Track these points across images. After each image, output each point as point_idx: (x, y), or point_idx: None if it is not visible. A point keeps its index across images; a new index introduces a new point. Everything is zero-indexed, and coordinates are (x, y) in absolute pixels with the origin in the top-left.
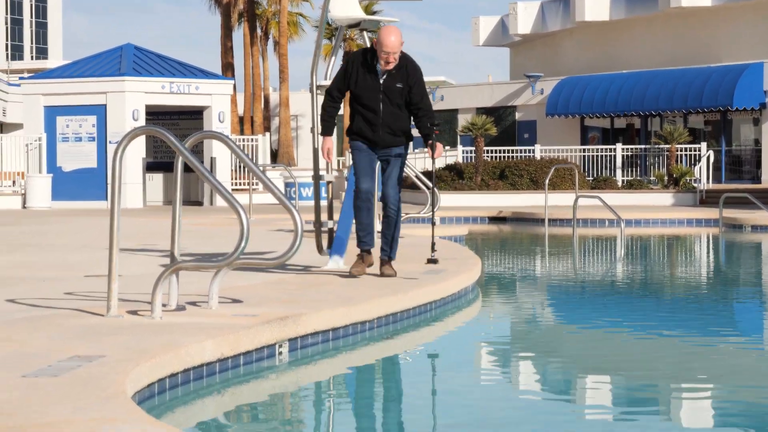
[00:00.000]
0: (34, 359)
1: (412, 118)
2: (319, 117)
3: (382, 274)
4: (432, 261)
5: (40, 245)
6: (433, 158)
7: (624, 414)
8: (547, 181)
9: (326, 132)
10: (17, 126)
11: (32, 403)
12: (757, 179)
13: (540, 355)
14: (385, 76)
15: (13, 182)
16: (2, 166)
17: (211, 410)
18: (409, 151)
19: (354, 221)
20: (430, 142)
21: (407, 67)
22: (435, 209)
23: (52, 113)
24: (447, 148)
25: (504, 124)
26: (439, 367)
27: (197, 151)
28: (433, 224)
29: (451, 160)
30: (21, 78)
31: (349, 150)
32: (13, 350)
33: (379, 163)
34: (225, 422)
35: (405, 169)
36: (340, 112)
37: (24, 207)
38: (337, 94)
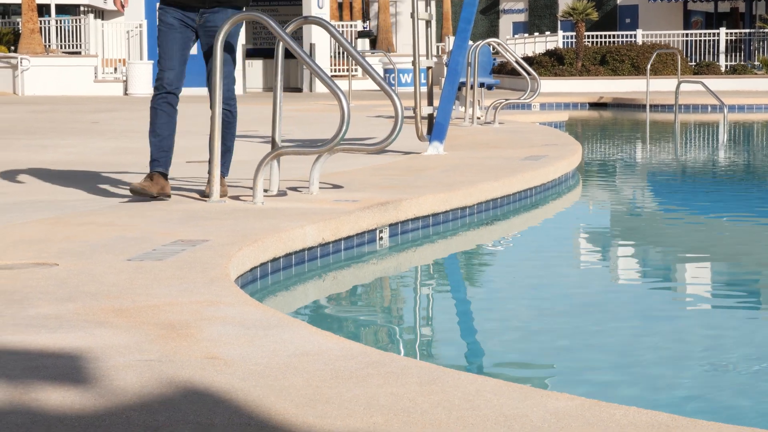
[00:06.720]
0: (138, 243)
1: None
2: None
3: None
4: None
5: (142, 131)
6: None
7: (724, 300)
8: (648, 66)
9: None
10: (118, 13)
11: (137, 286)
12: None
13: (639, 242)
14: None
15: (115, 69)
16: (104, 53)
17: (312, 294)
18: (508, 36)
19: (150, 131)
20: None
21: None
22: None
23: None
24: (547, 33)
25: (605, 9)
26: (537, 254)
27: (296, 37)
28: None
29: (551, 46)
30: None
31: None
32: (117, 235)
33: (198, 42)
34: (326, 306)
35: (504, 53)
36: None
37: (125, 94)
38: None
